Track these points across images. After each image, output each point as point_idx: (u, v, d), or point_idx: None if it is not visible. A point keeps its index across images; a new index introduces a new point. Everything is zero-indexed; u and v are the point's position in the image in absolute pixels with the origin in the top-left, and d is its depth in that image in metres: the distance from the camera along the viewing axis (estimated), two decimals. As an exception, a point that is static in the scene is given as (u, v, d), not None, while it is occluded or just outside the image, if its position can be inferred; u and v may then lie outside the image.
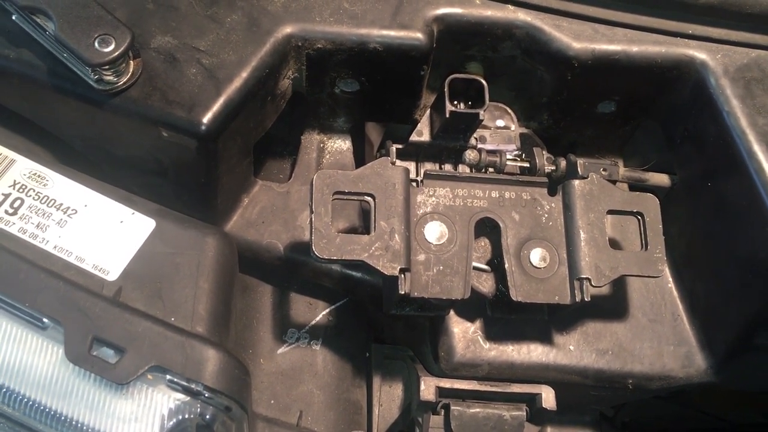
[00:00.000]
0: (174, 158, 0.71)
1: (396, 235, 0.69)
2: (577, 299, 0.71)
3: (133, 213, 0.71)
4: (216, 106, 0.68)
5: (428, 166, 0.81)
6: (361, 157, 0.89)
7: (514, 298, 0.71)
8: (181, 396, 0.63)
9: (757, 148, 0.69)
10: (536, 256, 0.73)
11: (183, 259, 0.70)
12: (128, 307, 0.65)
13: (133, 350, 0.62)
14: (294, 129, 0.87)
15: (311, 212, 0.68)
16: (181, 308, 0.67)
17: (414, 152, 0.81)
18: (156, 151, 0.71)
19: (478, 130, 0.80)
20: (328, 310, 0.84)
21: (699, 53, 0.73)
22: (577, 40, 0.74)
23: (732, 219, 0.72)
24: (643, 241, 0.73)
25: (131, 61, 0.67)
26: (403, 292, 0.68)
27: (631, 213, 0.74)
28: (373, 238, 0.68)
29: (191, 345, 0.64)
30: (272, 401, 0.78)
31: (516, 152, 0.80)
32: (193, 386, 0.62)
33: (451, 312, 0.78)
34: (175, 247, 0.71)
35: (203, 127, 0.67)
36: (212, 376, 0.63)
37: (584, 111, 0.81)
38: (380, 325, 0.90)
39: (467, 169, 0.80)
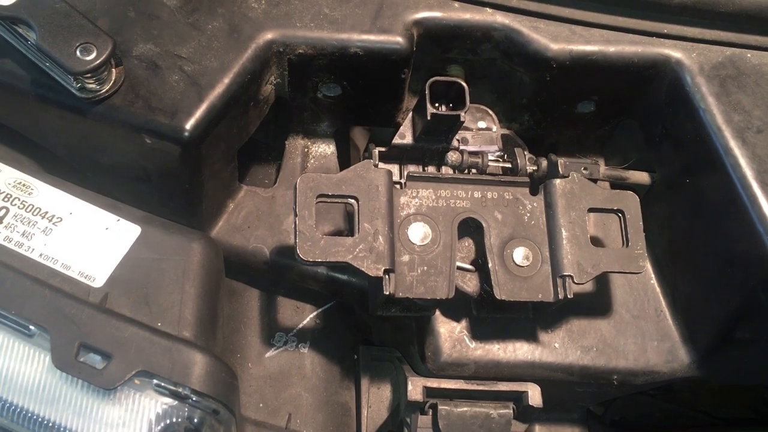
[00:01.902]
0: (158, 165, 0.71)
1: (380, 237, 0.70)
2: (560, 297, 0.72)
3: (119, 220, 0.72)
4: (199, 113, 0.68)
5: (412, 168, 0.82)
6: (345, 161, 0.90)
7: (498, 297, 0.72)
8: (168, 400, 0.63)
9: (732, 144, 0.70)
10: (519, 254, 0.74)
11: (169, 264, 0.70)
12: (114, 313, 0.66)
13: (119, 356, 0.63)
14: (279, 134, 0.88)
15: (295, 215, 0.69)
16: (167, 313, 0.68)
17: (397, 155, 0.82)
18: (140, 158, 0.72)
19: (460, 131, 0.81)
20: (315, 313, 0.85)
21: (674, 52, 0.75)
22: (554, 41, 0.75)
23: (710, 214, 0.73)
24: (624, 238, 0.74)
25: (113, 69, 0.68)
26: (387, 293, 0.69)
27: (611, 211, 0.75)
28: (357, 240, 0.69)
29: (178, 349, 0.64)
30: (261, 405, 0.78)
31: (498, 153, 0.81)
32: (180, 390, 0.63)
33: (437, 312, 0.78)
34: (160, 252, 0.71)
35: (186, 134, 0.68)
36: (199, 379, 0.63)
37: (564, 111, 0.82)
38: (368, 327, 0.90)
39: (450, 171, 0.81)
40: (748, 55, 0.75)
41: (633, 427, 1.23)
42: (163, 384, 0.62)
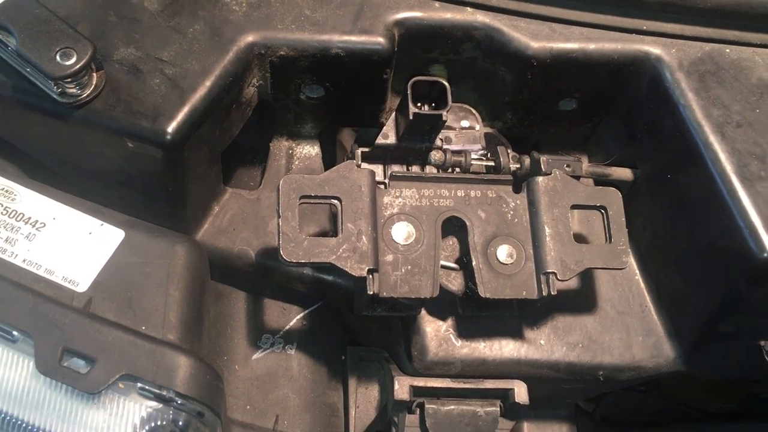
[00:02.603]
0: (141, 169, 0.72)
1: (363, 237, 0.70)
2: (544, 293, 0.72)
3: (102, 224, 0.72)
4: (180, 116, 0.68)
5: (395, 168, 0.82)
6: (331, 162, 0.90)
7: (482, 295, 0.72)
8: (153, 403, 0.63)
9: (712, 139, 0.70)
10: (503, 252, 0.74)
11: (153, 268, 0.71)
12: (98, 318, 0.66)
13: (103, 360, 0.63)
14: (263, 136, 0.88)
15: (278, 217, 0.69)
16: (151, 317, 0.68)
17: (381, 155, 0.82)
18: (122, 162, 0.72)
19: (443, 131, 0.81)
20: (301, 315, 0.85)
21: (654, 48, 0.75)
22: (535, 39, 0.75)
23: (692, 209, 0.73)
24: (607, 234, 0.75)
25: (94, 74, 0.68)
26: (371, 293, 0.69)
27: (594, 207, 0.76)
28: (340, 241, 0.69)
29: (162, 352, 0.64)
30: (248, 407, 0.78)
31: (481, 152, 0.82)
32: (164, 393, 0.63)
33: (423, 311, 0.79)
34: (144, 256, 0.71)
35: (168, 137, 0.68)
36: (183, 382, 0.63)
37: (546, 109, 0.82)
38: (355, 328, 0.91)
39: (434, 170, 0.81)
40: (727, 51, 0.75)
41: (623, 422, 1.23)
42: (147, 387, 0.62)
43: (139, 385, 0.63)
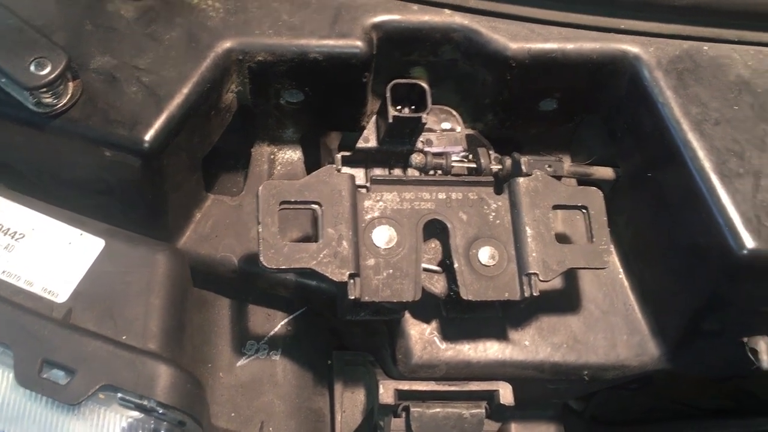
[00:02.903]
0: (119, 177, 0.71)
1: (344, 242, 0.70)
2: (526, 294, 0.72)
3: (82, 234, 0.72)
4: (158, 123, 0.68)
5: (377, 172, 0.82)
6: (315, 166, 0.89)
7: (464, 297, 0.72)
8: (134, 413, 0.63)
9: (691, 136, 0.70)
10: (485, 254, 0.74)
11: (133, 277, 0.70)
12: (78, 328, 0.65)
13: (83, 370, 0.62)
14: (245, 142, 0.88)
15: (258, 223, 0.69)
16: (132, 326, 0.67)
17: (362, 158, 0.82)
18: (101, 171, 0.71)
19: (424, 133, 0.81)
20: (286, 320, 0.85)
21: (632, 47, 0.75)
22: (513, 40, 0.75)
23: (672, 207, 0.73)
24: (589, 234, 0.75)
25: (70, 83, 0.68)
26: (352, 298, 0.69)
27: (576, 207, 0.76)
28: (321, 246, 0.69)
29: (142, 362, 0.64)
30: (233, 414, 0.78)
31: (463, 153, 0.82)
32: (145, 403, 0.62)
33: (408, 315, 0.79)
34: (124, 265, 0.71)
35: (146, 145, 0.68)
36: (164, 391, 0.63)
37: (527, 110, 0.82)
38: (341, 332, 0.90)
39: (416, 173, 0.81)
40: (705, 48, 0.75)
41: (614, 421, 1.23)
42: (127, 397, 0.62)
43: (120, 395, 0.62)
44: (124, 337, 0.67)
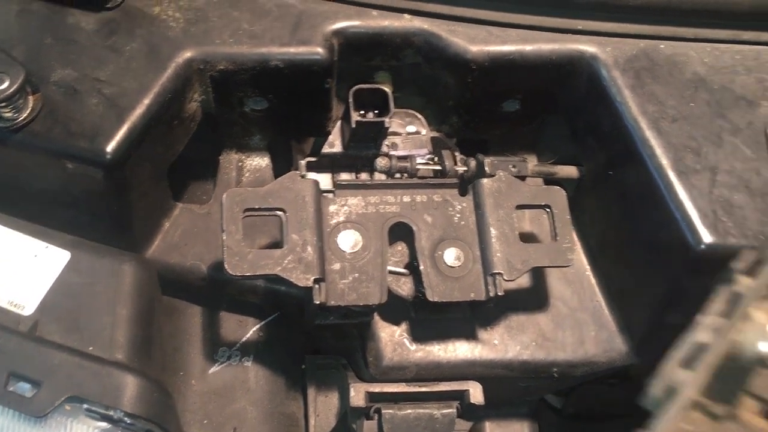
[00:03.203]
0: (83, 189, 0.72)
1: (308, 247, 0.70)
2: (492, 294, 0.73)
3: (47, 246, 0.72)
4: (119, 135, 0.68)
5: (344, 176, 0.82)
6: (283, 173, 0.90)
7: (430, 299, 0.73)
8: (101, 424, 0.63)
9: (648, 134, 0.71)
10: (450, 255, 0.75)
11: (99, 288, 0.71)
12: (44, 341, 0.66)
13: (49, 382, 0.63)
14: (213, 150, 0.88)
15: (222, 231, 0.69)
16: (98, 337, 0.68)
17: (329, 164, 0.82)
18: (65, 183, 0.72)
19: (390, 137, 0.82)
20: (258, 327, 0.85)
21: (589, 47, 0.76)
22: (472, 43, 0.76)
23: (633, 204, 0.74)
24: (553, 233, 0.75)
25: (30, 97, 0.68)
26: (318, 302, 0.69)
27: (539, 206, 0.76)
28: (285, 252, 0.70)
29: (108, 373, 0.64)
30: (205, 421, 0.78)
31: (428, 156, 0.82)
32: (111, 413, 0.63)
33: (378, 318, 0.79)
34: (91, 276, 0.71)
35: (107, 156, 0.68)
36: (130, 401, 0.63)
37: (490, 111, 0.83)
38: (315, 337, 0.91)
39: (382, 176, 0.81)
40: (661, 46, 0.76)
41: (593, 417, 1.24)
42: (94, 408, 0.62)
43: (86, 406, 0.63)
44: (90, 348, 0.67)
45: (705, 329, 0.34)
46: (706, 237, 0.67)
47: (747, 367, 0.35)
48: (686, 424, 0.36)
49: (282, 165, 0.90)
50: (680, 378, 0.34)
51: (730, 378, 0.36)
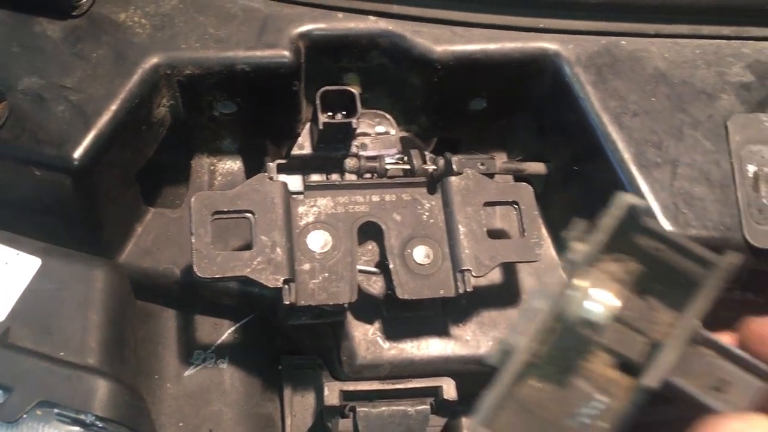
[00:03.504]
0: (53, 196, 0.72)
1: (278, 248, 0.71)
2: (461, 291, 0.73)
3: (18, 254, 0.72)
4: (86, 141, 0.69)
5: (315, 178, 0.83)
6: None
7: (400, 297, 0.74)
8: (73, 428, 0.63)
9: (610, 129, 0.73)
10: (420, 253, 0.75)
11: (70, 293, 0.71)
12: (14, 347, 0.66)
13: (20, 388, 0.63)
14: (185, 154, 0.89)
15: (191, 234, 0.70)
16: (70, 342, 0.68)
17: (299, 165, 0.83)
18: (35, 190, 0.72)
19: (359, 137, 0.83)
20: (233, 329, 0.86)
21: (552, 45, 0.77)
22: (437, 43, 0.77)
23: (598, 199, 0.75)
24: (521, 228, 0.76)
25: (-4, 106, 0.68)
26: (287, 302, 0.70)
27: (507, 203, 0.77)
28: (254, 253, 0.70)
29: (79, 377, 0.65)
30: (181, 424, 0.79)
31: (397, 156, 0.83)
32: (82, 417, 0.63)
33: (350, 317, 0.80)
34: (62, 282, 0.71)
35: (75, 162, 0.68)
36: (102, 405, 0.64)
37: (457, 110, 0.84)
38: (292, 338, 0.91)
39: (353, 177, 0.82)
40: (623, 42, 0.77)
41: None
42: (65, 413, 0.63)
43: (57, 411, 0.63)
44: (62, 354, 0.67)
45: (541, 295, 0.37)
46: (669, 229, 0.68)
47: (577, 328, 0.37)
48: (528, 388, 0.38)
49: (254, 168, 0.91)
50: (515, 342, 0.36)
51: (568, 340, 0.38)
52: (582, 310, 0.36)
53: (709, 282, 0.36)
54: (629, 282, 0.39)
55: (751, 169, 0.70)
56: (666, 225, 0.68)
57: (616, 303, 0.37)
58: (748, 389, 0.37)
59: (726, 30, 0.78)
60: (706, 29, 0.78)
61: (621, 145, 0.72)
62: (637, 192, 0.70)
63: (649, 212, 0.36)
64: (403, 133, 0.86)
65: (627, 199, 0.37)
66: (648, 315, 0.39)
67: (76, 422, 0.63)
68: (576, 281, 0.36)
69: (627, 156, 0.71)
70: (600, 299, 0.36)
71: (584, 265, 0.36)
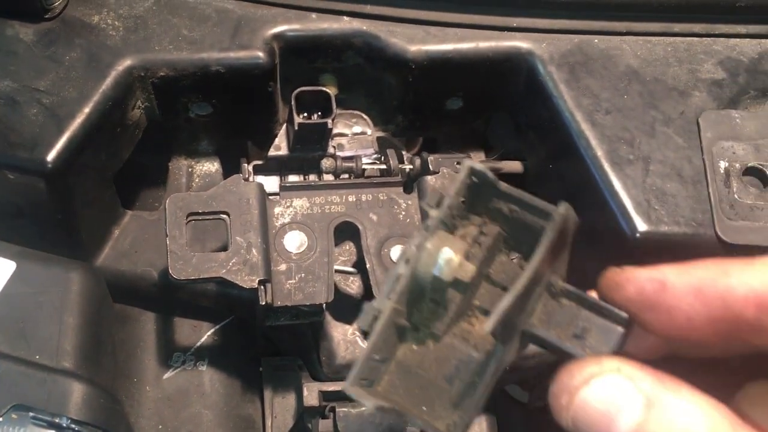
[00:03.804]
0: (27, 200, 0.72)
1: (253, 249, 0.71)
2: (436, 288, 0.74)
3: (-8, 258, 0.72)
4: (59, 144, 0.69)
5: (293, 178, 0.83)
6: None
7: (377, 297, 0.74)
8: (48, 432, 0.63)
9: (584, 127, 0.73)
10: (396, 253, 0.76)
11: (46, 297, 0.71)
12: (-11, 351, 0.66)
13: (-6, 393, 0.63)
14: (163, 156, 0.89)
15: (166, 236, 0.70)
16: (45, 346, 0.68)
17: (277, 166, 0.83)
18: (9, 194, 0.72)
19: (336, 138, 0.83)
20: (212, 331, 0.85)
21: (525, 44, 0.77)
22: (410, 43, 0.77)
23: (573, 196, 0.75)
24: (496, 226, 0.77)
25: (-32, 110, 0.68)
26: (263, 303, 0.70)
27: (481, 201, 0.78)
28: (230, 254, 0.70)
29: (53, 380, 0.64)
30: (160, 426, 0.79)
31: (374, 156, 0.83)
32: (57, 420, 0.63)
33: (330, 317, 0.80)
34: (37, 286, 0.71)
35: (48, 165, 0.68)
36: (77, 408, 0.64)
37: (434, 109, 0.84)
38: (272, 339, 0.91)
39: (331, 177, 0.82)
40: (595, 41, 0.78)
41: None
42: (39, 416, 0.63)
43: (32, 414, 0.63)
44: (37, 357, 0.67)
45: (401, 260, 0.38)
46: (641, 225, 0.69)
47: (435, 290, 0.38)
48: (408, 351, 0.39)
49: (232, 170, 0.90)
50: (380, 306, 0.37)
51: (437, 302, 0.39)
52: (433, 270, 0.37)
53: (547, 233, 0.38)
54: (493, 244, 0.40)
55: (723, 165, 0.71)
56: (639, 222, 0.69)
57: (464, 262, 0.38)
58: (608, 335, 0.39)
59: (697, 27, 0.79)
60: (677, 27, 0.78)
61: (594, 143, 0.72)
62: (610, 189, 0.70)
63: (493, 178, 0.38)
64: (380, 133, 0.86)
65: (469, 163, 0.38)
66: (514, 273, 0.40)
67: (51, 426, 0.63)
68: (428, 244, 0.37)
69: (599, 153, 0.71)
70: (449, 259, 0.37)
71: (435, 228, 0.38)
